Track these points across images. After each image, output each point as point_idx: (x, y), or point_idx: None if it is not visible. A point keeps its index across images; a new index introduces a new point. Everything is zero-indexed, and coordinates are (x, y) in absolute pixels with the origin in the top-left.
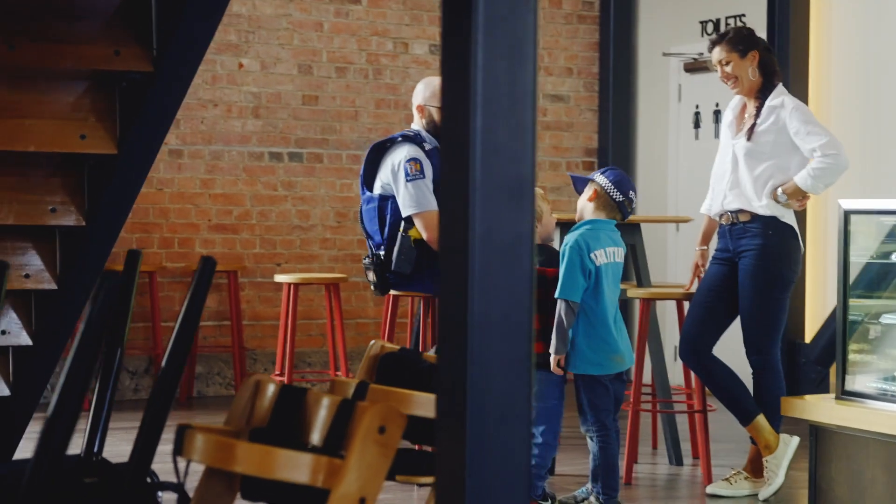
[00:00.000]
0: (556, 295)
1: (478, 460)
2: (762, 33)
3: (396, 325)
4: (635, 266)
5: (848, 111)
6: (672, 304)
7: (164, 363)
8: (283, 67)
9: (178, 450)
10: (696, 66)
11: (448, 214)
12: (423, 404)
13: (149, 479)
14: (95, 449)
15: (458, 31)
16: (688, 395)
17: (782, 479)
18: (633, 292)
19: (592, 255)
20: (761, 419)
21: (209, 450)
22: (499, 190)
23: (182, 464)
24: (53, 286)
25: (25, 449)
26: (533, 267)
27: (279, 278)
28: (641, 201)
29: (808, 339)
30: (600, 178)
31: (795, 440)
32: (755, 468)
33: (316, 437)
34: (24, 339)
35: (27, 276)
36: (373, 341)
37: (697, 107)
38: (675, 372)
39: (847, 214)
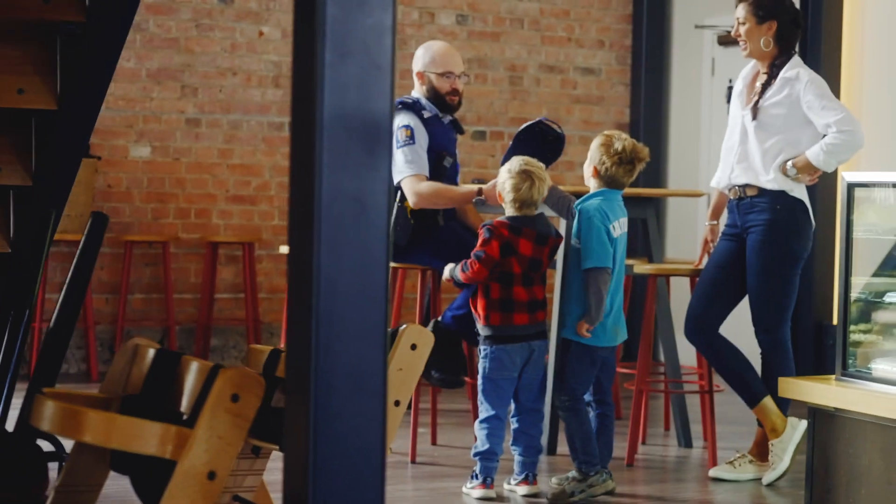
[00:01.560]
0: (591, 264)
1: (325, 434)
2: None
3: (402, 298)
4: (646, 241)
5: (881, 88)
6: (686, 280)
7: (51, 325)
8: None
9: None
10: (729, 40)
11: (295, 160)
12: None
13: (54, 448)
14: None
15: None
16: (700, 376)
17: (787, 463)
18: (641, 268)
19: (611, 226)
20: (768, 401)
21: (56, 418)
22: (348, 133)
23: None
24: (7, 250)
25: None
26: (389, 223)
27: (284, 249)
28: (673, 176)
29: (835, 320)
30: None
31: (804, 424)
32: (761, 452)
33: (185, 405)
34: None
35: None
36: None
37: (731, 81)
38: (691, 351)
39: (851, 187)
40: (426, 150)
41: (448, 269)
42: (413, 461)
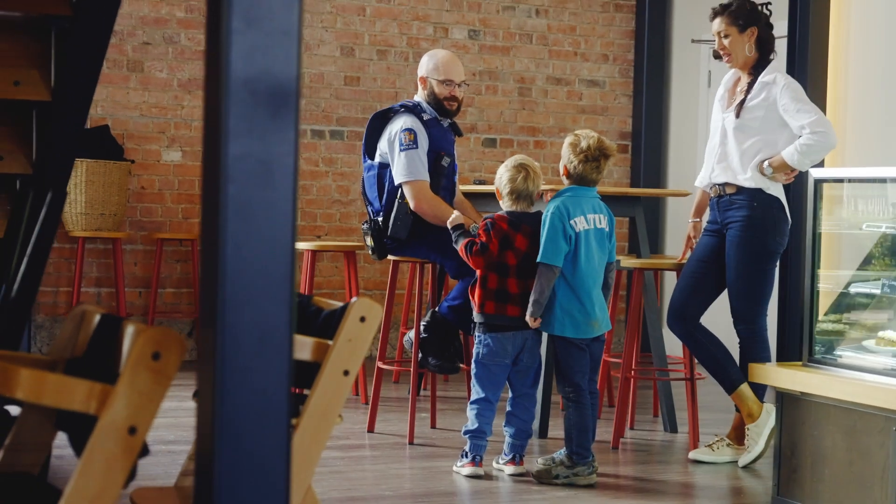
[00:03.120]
0: (539, 259)
1: (231, 390)
2: (784, 21)
3: (399, 288)
4: (634, 237)
5: (867, 98)
6: (673, 275)
7: (12, 295)
8: (327, 49)
9: None
10: None
11: (206, 124)
12: (302, 347)
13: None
14: None
15: None
16: (685, 365)
17: (762, 447)
18: (627, 262)
19: (572, 222)
20: (745, 388)
21: None
22: (254, 97)
23: None
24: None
25: None
26: (297, 187)
27: (303, 246)
28: (672, 179)
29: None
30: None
31: None
32: (738, 436)
33: (122, 367)
34: None
35: None
36: None
37: None
38: (679, 342)
39: (818, 183)
40: (427, 151)
41: (453, 228)
42: (411, 443)
